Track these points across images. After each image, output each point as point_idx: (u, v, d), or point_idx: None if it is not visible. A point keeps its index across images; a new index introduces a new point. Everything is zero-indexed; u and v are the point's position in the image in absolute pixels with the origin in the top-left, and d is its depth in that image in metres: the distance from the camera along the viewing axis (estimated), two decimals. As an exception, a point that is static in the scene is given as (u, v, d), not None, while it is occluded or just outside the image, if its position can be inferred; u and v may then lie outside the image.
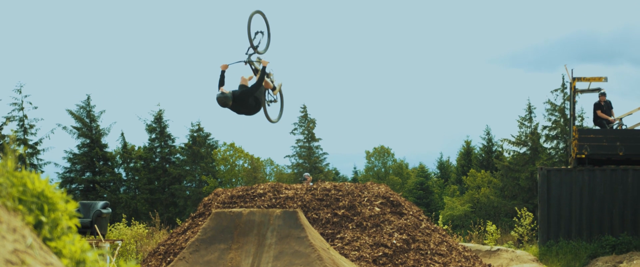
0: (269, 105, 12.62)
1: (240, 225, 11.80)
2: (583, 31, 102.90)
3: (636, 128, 25.52)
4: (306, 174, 25.21)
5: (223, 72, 12.13)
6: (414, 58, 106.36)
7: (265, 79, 12.26)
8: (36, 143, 44.29)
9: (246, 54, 12.36)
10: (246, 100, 11.95)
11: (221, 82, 12.14)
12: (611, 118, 25.24)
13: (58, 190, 3.52)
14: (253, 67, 12.46)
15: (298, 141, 55.39)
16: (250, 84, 12.27)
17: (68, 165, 47.41)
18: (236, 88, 12.19)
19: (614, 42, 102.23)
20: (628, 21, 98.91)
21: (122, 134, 50.22)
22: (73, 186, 46.78)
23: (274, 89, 12.72)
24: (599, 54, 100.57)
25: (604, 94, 25.27)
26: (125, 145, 50.07)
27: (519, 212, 28.73)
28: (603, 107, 25.31)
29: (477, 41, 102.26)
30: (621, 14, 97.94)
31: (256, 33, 12.34)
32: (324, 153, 56.09)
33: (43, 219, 3.37)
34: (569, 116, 26.53)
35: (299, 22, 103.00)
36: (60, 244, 3.40)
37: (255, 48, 12.26)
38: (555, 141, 47.74)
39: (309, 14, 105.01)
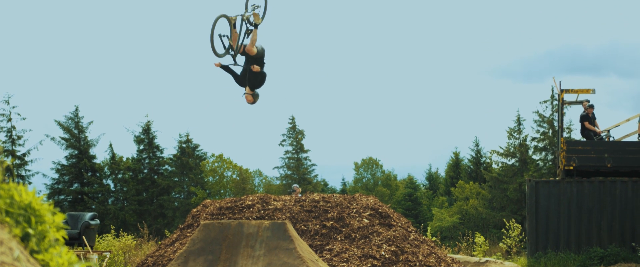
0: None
1: (228, 236, 11.78)
2: (570, 44, 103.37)
3: (624, 140, 25.61)
4: (295, 185, 25.20)
5: (222, 66, 12.37)
6: (402, 70, 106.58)
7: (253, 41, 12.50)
8: (24, 154, 44.11)
9: (229, 50, 12.33)
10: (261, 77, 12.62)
11: (234, 75, 12.47)
12: (598, 130, 25.32)
13: (46, 202, 3.50)
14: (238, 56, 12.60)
15: (286, 152, 55.35)
16: (240, 42, 12.52)
17: (56, 176, 47.27)
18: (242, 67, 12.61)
19: (601, 55, 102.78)
20: (614, 36, 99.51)
21: (111, 145, 50.11)
22: (61, 197, 46.63)
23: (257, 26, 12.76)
24: (586, 66, 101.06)
25: (591, 106, 25.35)
26: (113, 156, 49.94)
27: (508, 224, 28.75)
28: (590, 118, 25.40)
29: (466, 53, 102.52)
30: (607, 29, 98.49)
31: (221, 36, 12.28)
32: (313, 164, 56.06)
33: (30, 231, 3.35)
34: (557, 128, 26.55)
35: (287, 34, 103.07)
36: (48, 256, 3.38)
37: (217, 54, 12.20)
38: (543, 153, 47.84)
39: (298, 25, 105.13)
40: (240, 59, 12.62)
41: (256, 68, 12.31)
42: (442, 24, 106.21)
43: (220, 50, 12.09)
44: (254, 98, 12.61)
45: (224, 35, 12.22)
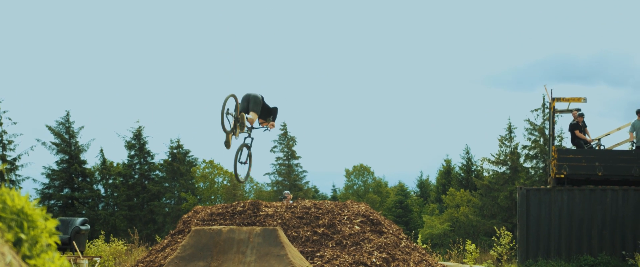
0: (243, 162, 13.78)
1: (219, 242, 11.76)
2: (562, 54, 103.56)
3: (615, 149, 25.66)
4: (286, 192, 25.22)
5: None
6: (394, 77, 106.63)
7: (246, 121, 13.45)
8: (15, 159, 43.99)
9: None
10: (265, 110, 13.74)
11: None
12: (589, 138, 25.38)
13: (38, 207, 3.49)
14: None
15: (278, 158, 55.34)
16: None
17: (46, 181, 47.19)
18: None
19: (592, 64, 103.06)
20: (605, 45, 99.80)
21: (101, 151, 50.07)
22: (51, 202, 46.54)
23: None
24: (576, 75, 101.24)
25: (581, 115, 25.40)
26: (104, 161, 49.88)
27: (498, 232, 28.76)
28: (581, 127, 25.45)
29: (458, 61, 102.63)
30: (598, 38, 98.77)
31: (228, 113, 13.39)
32: (304, 171, 56.07)
33: (23, 236, 3.34)
34: (548, 136, 26.59)
35: (279, 39, 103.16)
36: (40, 261, 3.37)
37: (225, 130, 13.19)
38: (534, 161, 47.92)
39: (290, 32, 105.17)
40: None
41: (272, 124, 13.83)
42: (435, 33, 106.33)
43: (228, 126, 13.17)
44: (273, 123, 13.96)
45: (230, 113, 13.36)
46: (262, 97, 13.56)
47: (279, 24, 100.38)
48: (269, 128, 13.70)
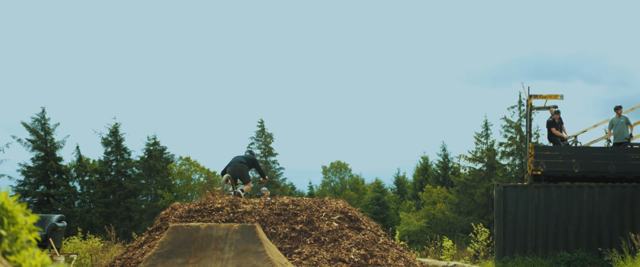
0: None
1: (197, 239, 11.72)
2: (539, 52, 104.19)
3: (591, 146, 25.77)
4: (264, 189, 25.17)
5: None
6: (372, 75, 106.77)
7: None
8: (-11, 155, 43.77)
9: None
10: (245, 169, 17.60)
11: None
12: (565, 135, 25.47)
13: (17, 203, 3.45)
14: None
15: (255, 155, 55.27)
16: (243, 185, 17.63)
17: (22, 178, 46.91)
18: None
19: (568, 62, 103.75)
20: (581, 46, 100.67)
21: (77, 147, 49.82)
22: (27, 199, 46.25)
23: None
24: (553, 72, 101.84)
25: (557, 112, 25.48)
26: (80, 158, 49.63)
27: (475, 228, 28.83)
28: (557, 124, 25.53)
29: (436, 59, 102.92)
30: (574, 39, 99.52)
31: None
32: (281, 168, 56.02)
33: (2, 232, 3.30)
34: (525, 133, 26.68)
35: (258, 36, 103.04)
36: (20, 258, 3.33)
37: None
38: (511, 158, 48.10)
39: (270, 29, 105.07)
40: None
41: (267, 193, 17.47)
42: (413, 31, 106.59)
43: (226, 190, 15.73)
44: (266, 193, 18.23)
45: (230, 193, 16.40)
46: (245, 164, 17.26)
47: (258, 21, 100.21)
48: (264, 195, 16.24)
